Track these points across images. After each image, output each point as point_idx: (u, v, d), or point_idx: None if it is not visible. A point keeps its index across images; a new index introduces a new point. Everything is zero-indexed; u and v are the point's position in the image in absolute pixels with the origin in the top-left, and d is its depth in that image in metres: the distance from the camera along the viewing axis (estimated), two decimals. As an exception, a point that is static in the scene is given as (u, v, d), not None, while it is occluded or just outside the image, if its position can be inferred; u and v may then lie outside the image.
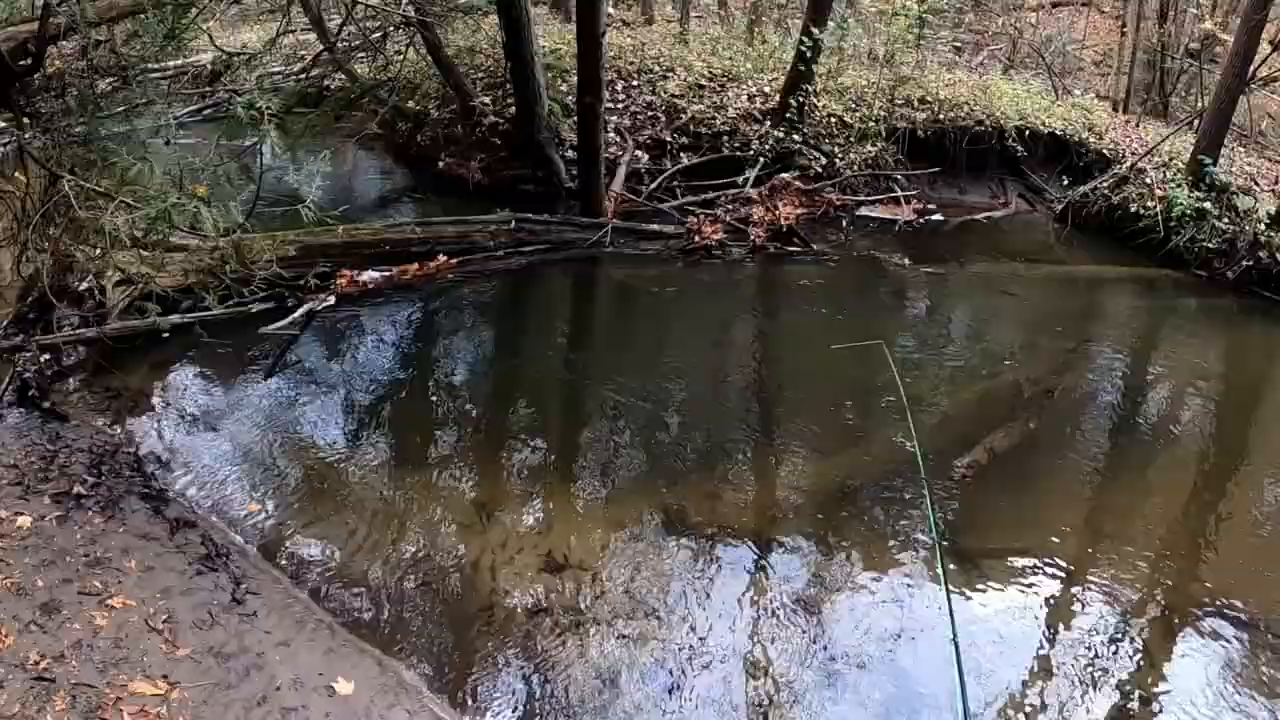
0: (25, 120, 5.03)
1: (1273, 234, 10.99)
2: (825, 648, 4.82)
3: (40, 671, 3.78)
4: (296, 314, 7.75)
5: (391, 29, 11.53)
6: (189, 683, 3.91)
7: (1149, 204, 11.91)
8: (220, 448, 6.16)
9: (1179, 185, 11.80)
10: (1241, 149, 15.59)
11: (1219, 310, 10.62)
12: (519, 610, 4.84)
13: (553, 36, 13.35)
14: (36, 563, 4.44)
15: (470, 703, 4.28)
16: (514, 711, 4.27)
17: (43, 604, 4.18)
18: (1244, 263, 11.02)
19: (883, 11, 14.03)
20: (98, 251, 5.15)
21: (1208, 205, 11.49)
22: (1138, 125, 15.40)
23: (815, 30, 11.76)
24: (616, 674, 4.50)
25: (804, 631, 4.92)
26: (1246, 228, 11.24)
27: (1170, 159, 12.69)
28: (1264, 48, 12.99)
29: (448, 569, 5.14)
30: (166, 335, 7.25)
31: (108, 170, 4.93)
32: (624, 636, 4.73)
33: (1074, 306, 10.54)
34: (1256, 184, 12.42)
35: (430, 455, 6.41)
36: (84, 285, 7.10)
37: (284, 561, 5.07)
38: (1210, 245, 11.27)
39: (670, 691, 4.42)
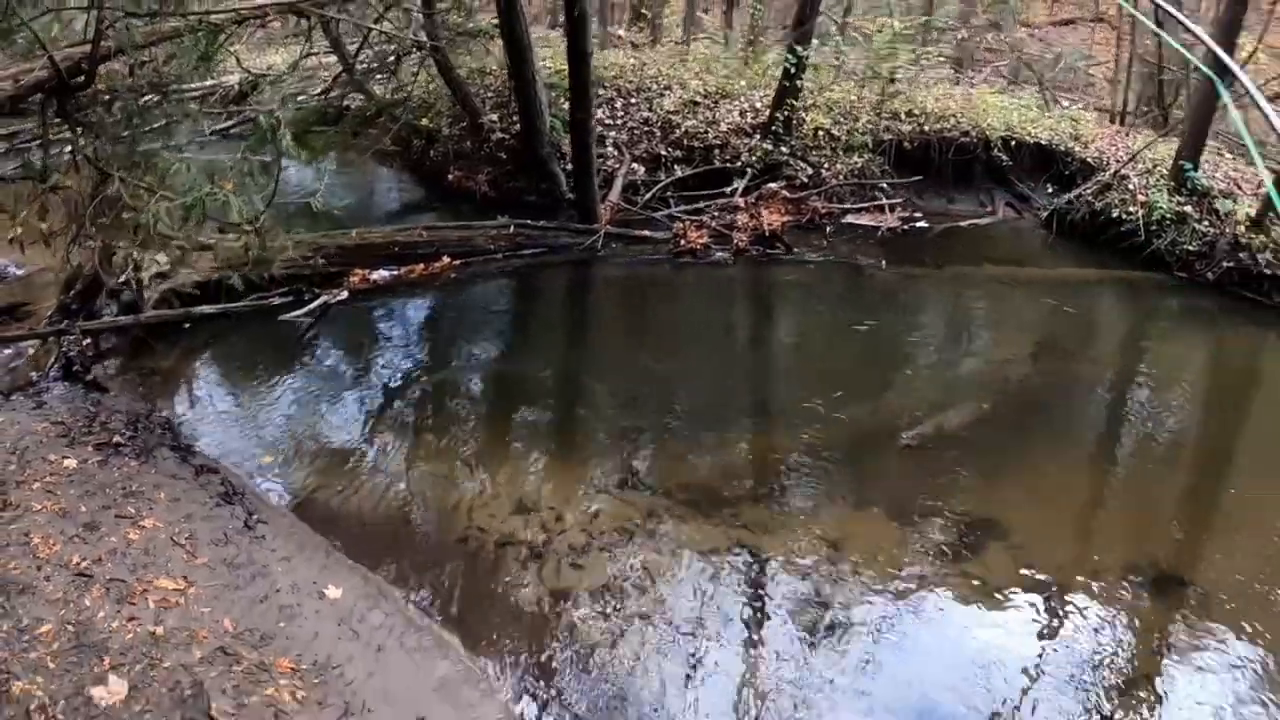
0: (78, 129, 5.92)
1: (1253, 235, 11.36)
2: (763, 585, 5.55)
3: (81, 570, 4.61)
4: (313, 305, 8.65)
5: (405, 52, 12.41)
6: (204, 583, 4.74)
7: (1131, 209, 12.32)
8: (241, 414, 7.06)
9: (1160, 190, 12.23)
10: (1229, 155, 16.07)
11: (1199, 310, 11.04)
12: (490, 542, 5.64)
13: (558, 58, 14.17)
14: (80, 493, 5.30)
15: (439, 609, 5.07)
16: (475, 618, 5.05)
17: (85, 523, 5.02)
18: (1224, 264, 11.34)
19: (870, 31, 14.80)
20: (139, 240, 5.98)
21: (1188, 209, 11.89)
22: (1128, 135, 15.73)
23: (799, 49, 12.55)
24: (568, 593, 5.27)
25: (740, 569, 5.66)
26: (1227, 230, 11.59)
27: (1154, 166, 13.10)
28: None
29: (431, 509, 5.97)
30: (188, 326, 8.17)
31: (149, 169, 5.80)
32: (578, 566, 5.50)
33: (1049, 306, 11.00)
34: (1239, 188, 12.71)
35: (425, 424, 7.25)
36: (122, 278, 8.01)
37: (291, 501, 5.94)
38: (1191, 248, 11.63)
39: (610, 608, 5.19)
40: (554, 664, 4.77)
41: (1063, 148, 14.52)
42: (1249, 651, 5.20)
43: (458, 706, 4.35)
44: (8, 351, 7.59)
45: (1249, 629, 5.35)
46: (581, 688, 4.65)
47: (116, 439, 6.00)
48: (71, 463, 5.61)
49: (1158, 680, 5.02)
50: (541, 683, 4.65)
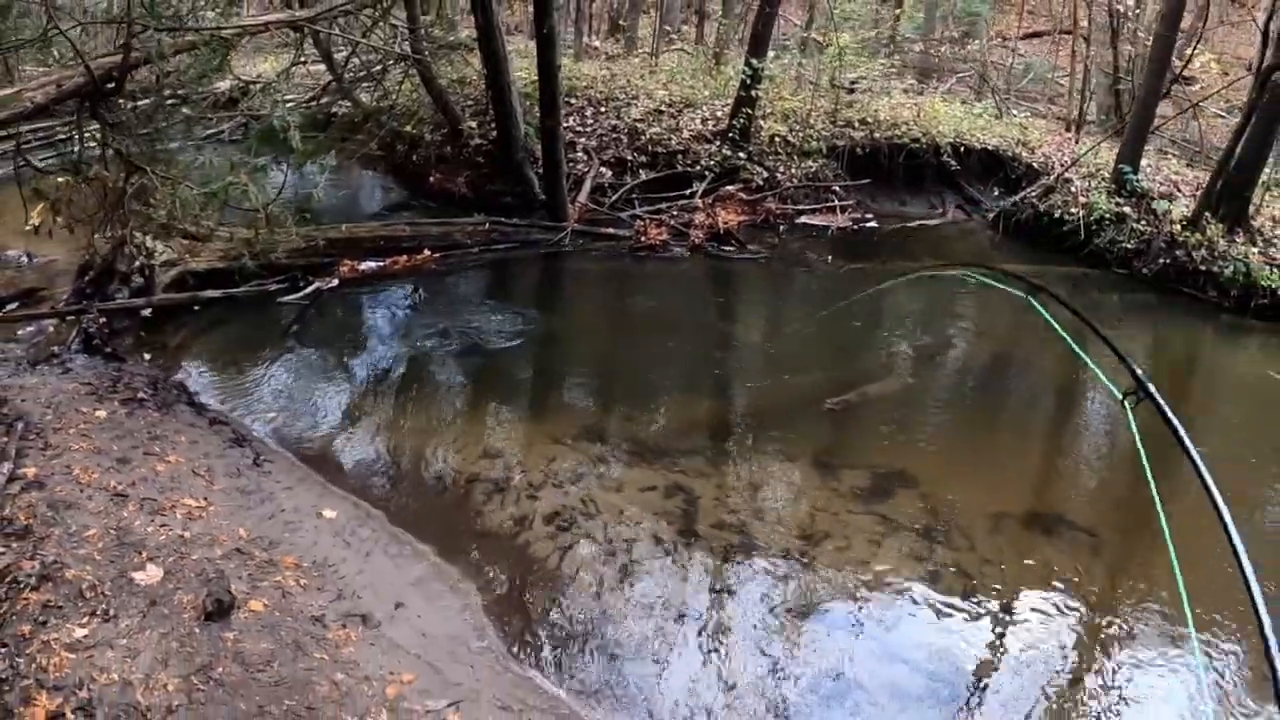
0: (109, 128, 6.86)
1: (1188, 234, 12.33)
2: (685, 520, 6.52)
3: (117, 491, 5.54)
4: (307, 291, 9.63)
5: (391, 63, 13.32)
6: (221, 503, 5.70)
7: (1073, 210, 13.35)
8: (245, 381, 8.00)
9: (1100, 192, 13.26)
10: (1175, 158, 17.08)
11: (1135, 303, 11.98)
12: (461, 479, 6.63)
13: (533, 69, 15.09)
14: (111, 436, 6.23)
15: (416, 528, 6.02)
16: (446, 535, 6.00)
17: (117, 458, 5.95)
18: (1161, 260, 12.36)
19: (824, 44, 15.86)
20: (158, 224, 6.92)
21: (1127, 210, 12.89)
22: (1077, 141, 16.72)
23: (755, 61, 13.59)
24: (525, 518, 6.24)
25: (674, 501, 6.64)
26: (1163, 229, 12.58)
27: (1097, 170, 14.13)
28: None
29: (411, 454, 6.95)
30: (196, 309, 9.09)
31: (173, 164, 6.76)
32: (535, 497, 6.47)
33: (988, 299, 11.70)
34: (1179, 190, 13.76)
35: (406, 390, 8.22)
36: (136, 264, 8.93)
37: (291, 447, 6.91)
38: (1129, 246, 12.65)
39: (560, 529, 6.16)
40: (510, 570, 5.74)
41: (1010, 153, 15.62)
42: (1120, 582, 6.26)
43: (429, 597, 5.31)
44: (30, 329, 8.49)
45: (1129, 568, 6.39)
46: (532, 587, 5.63)
47: (140, 395, 6.94)
48: (102, 413, 6.54)
49: (1032, 603, 5.95)
50: (499, 583, 5.62)
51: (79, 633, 4.33)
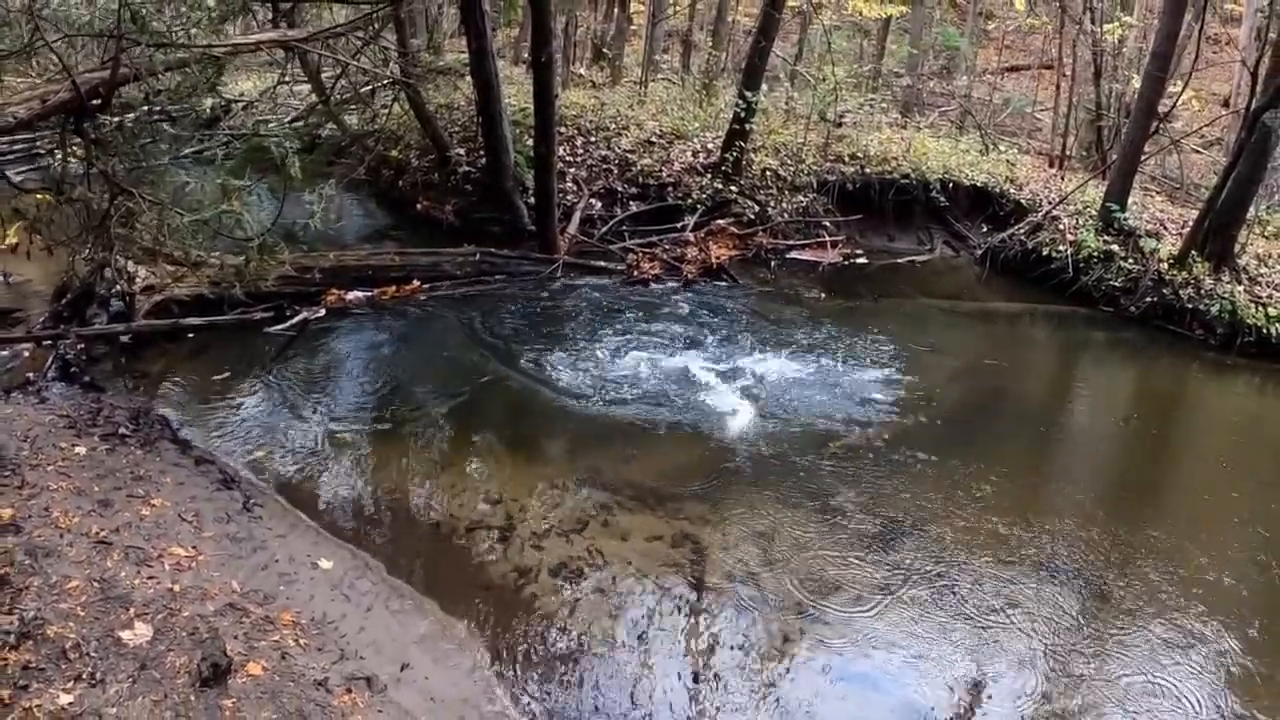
0: (93, 146, 6.53)
1: (1175, 272, 12.31)
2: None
3: (100, 538, 5.19)
4: (294, 320, 9.28)
5: (380, 85, 13.05)
6: (211, 552, 5.36)
7: (1060, 248, 13.31)
8: (231, 415, 7.65)
9: (1089, 230, 13.21)
10: (1158, 195, 17.12)
11: (1123, 341, 11.98)
12: (461, 526, 6.32)
13: (522, 96, 14.88)
14: (92, 476, 5.88)
15: (418, 580, 5.73)
16: (450, 587, 5.70)
17: (99, 500, 5.60)
18: (1148, 299, 12.32)
19: (817, 79, 15.76)
20: (141, 251, 6.59)
21: (1115, 248, 12.86)
22: (1063, 178, 16.67)
23: (748, 94, 13.43)
24: (531, 569, 5.95)
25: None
26: (1151, 267, 12.54)
27: (1084, 208, 14.06)
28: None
29: (409, 499, 6.65)
30: (190, 335, 8.78)
31: (160, 185, 6.44)
32: (540, 547, 6.19)
33: (979, 336, 11.89)
34: (1165, 228, 13.73)
35: (399, 428, 7.86)
36: (116, 288, 8.58)
37: (281, 489, 6.57)
38: (1117, 284, 12.61)
39: (568, 582, 5.87)
40: (518, 626, 5.45)
41: (998, 189, 15.50)
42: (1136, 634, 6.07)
43: (435, 657, 5.01)
44: (4, 353, 8.11)
45: (1146, 618, 6.24)
46: (542, 645, 5.34)
47: (121, 430, 6.59)
48: (81, 450, 6.18)
49: (1041, 649, 5.81)
50: (508, 640, 5.32)
51: (64, 699, 4.00)
